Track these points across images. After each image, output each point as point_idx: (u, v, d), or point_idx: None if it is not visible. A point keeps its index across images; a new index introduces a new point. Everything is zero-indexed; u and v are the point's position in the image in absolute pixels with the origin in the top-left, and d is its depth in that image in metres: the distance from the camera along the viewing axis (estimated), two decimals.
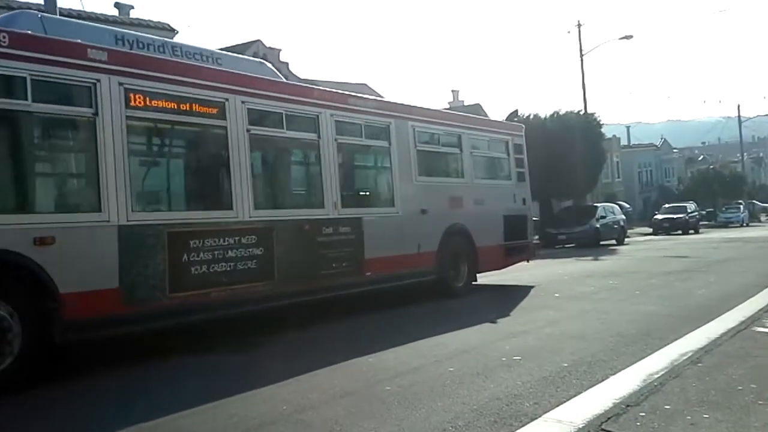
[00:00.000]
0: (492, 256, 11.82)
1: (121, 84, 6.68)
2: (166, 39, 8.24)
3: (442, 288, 10.67)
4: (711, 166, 66.34)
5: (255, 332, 7.93)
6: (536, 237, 29.82)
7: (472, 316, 8.70)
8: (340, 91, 9.76)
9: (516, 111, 13.45)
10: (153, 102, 7.03)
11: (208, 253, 7.27)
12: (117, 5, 22.87)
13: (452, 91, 46.71)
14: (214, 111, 7.63)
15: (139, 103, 6.88)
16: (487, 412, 4.54)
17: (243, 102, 7.85)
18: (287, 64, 26.23)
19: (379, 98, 10.39)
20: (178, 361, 6.80)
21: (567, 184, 30.40)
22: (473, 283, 11.51)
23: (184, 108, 7.33)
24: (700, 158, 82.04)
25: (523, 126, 13.69)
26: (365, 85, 34.00)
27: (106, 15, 19.65)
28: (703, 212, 47.81)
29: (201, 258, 7.20)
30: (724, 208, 52.48)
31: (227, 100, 7.70)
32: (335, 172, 8.98)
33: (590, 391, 4.95)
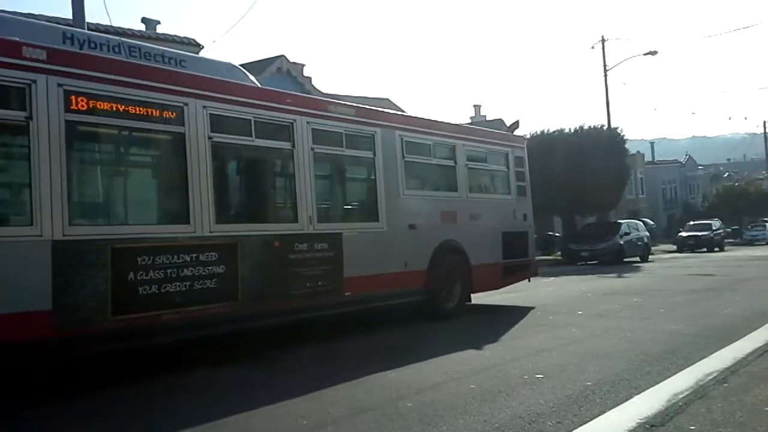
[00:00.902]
0: (488, 275, 11.04)
1: (60, 85, 6.07)
2: (123, 39, 7.62)
3: (432, 308, 9.92)
4: (736, 183, 65.00)
5: (277, 345, 7.88)
6: (558, 253, 29.58)
7: (488, 335, 8.41)
8: (317, 97, 9.18)
9: (517, 122, 12.62)
10: (98, 105, 6.40)
11: (159, 271, 6.61)
12: (144, 20, 22.85)
13: (474, 105, 45.89)
14: (171, 116, 6.98)
15: (82, 106, 6.26)
16: (509, 430, 4.49)
17: (204, 107, 7.21)
18: (310, 78, 26.13)
19: (362, 106, 9.64)
20: (198, 373, 6.70)
21: (590, 200, 29.96)
22: (467, 303, 10.75)
23: (135, 112, 6.68)
24: (725, 175, 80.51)
25: (525, 138, 12.91)
26: (388, 99, 33.66)
27: (132, 30, 19.52)
28: (729, 230, 46.84)
29: (150, 277, 6.54)
30: (749, 226, 51.61)
31: (186, 104, 7.06)
32: (311, 185, 8.29)
33: (614, 410, 4.87)
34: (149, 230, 6.84)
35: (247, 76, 8.43)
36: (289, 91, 9.14)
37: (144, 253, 6.52)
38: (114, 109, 6.52)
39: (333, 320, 8.62)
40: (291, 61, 25.47)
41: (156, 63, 7.40)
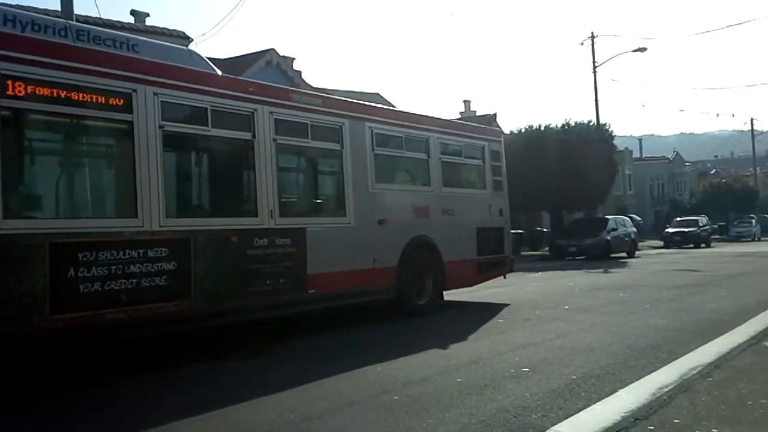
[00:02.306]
0: (462, 272, 10.72)
1: None
2: (70, 22, 7.22)
3: (403, 306, 9.60)
4: (723, 180, 65.02)
5: (267, 339, 7.89)
6: (546, 249, 29.42)
7: (472, 330, 8.43)
8: (281, 86, 8.77)
9: (495, 114, 12.37)
10: (38, 90, 5.99)
11: (102, 268, 6.22)
12: (133, 13, 22.55)
13: (464, 101, 45.19)
14: (118, 102, 6.56)
15: (19, 91, 5.85)
16: (495, 423, 4.51)
17: (156, 94, 6.81)
18: (300, 72, 25.78)
19: (330, 96, 9.30)
20: (187, 366, 6.73)
21: (578, 195, 29.89)
22: (442, 300, 10.49)
23: (79, 98, 6.28)
24: (712, 172, 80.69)
25: (502, 131, 12.59)
26: (378, 94, 33.35)
27: (121, 22, 19.26)
28: (715, 226, 46.91)
29: (93, 274, 6.15)
30: (736, 222, 51.69)
31: (135, 90, 6.66)
32: (272, 177, 7.90)
33: (599, 404, 4.90)
34: (92, 224, 6.46)
35: (208, 63, 8.02)
36: (249, 79, 8.74)
37: (86, 248, 6.13)
38: (55, 95, 6.12)
39: (307, 317, 8.42)
40: (281, 54, 25.00)
41: (106, 47, 6.99)
